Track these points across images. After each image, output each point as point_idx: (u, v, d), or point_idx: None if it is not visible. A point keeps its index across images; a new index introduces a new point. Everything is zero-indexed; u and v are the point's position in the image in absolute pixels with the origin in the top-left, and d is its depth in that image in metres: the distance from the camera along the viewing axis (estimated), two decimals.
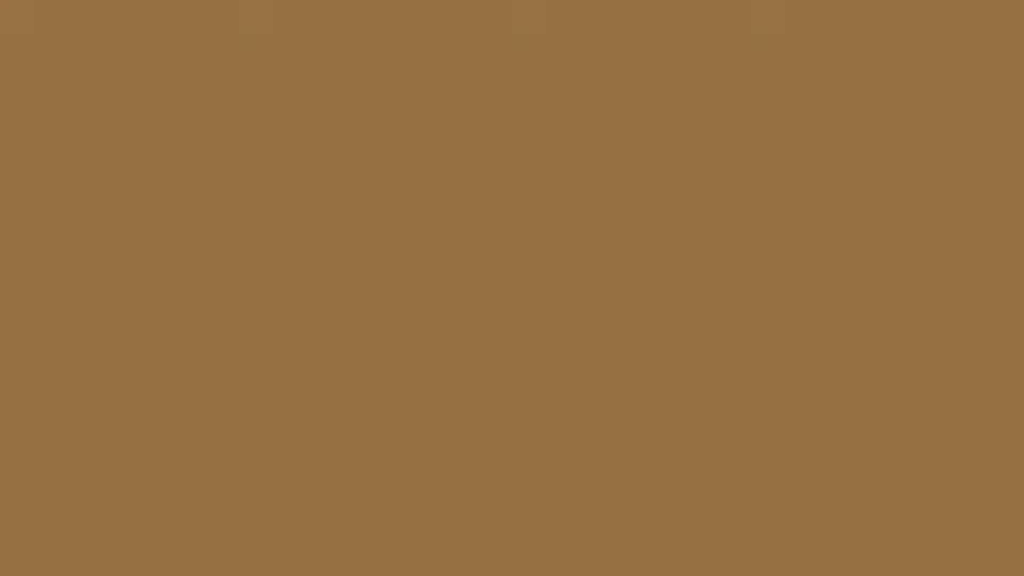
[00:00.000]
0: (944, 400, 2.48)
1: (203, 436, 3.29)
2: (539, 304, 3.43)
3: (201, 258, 3.48)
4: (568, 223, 3.49)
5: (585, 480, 3.28)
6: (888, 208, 2.60)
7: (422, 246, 3.36)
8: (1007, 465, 2.42)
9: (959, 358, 2.51)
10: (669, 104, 3.12)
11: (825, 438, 2.52)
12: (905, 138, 2.57)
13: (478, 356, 3.23)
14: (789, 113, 2.67)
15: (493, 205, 3.44)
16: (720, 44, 2.80)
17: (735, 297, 2.99)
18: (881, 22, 2.59)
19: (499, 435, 3.20)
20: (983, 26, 2.54)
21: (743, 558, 2.47)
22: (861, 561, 2.42)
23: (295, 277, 3.43)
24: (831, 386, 2.58)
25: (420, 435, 3.24)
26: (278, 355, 3.40)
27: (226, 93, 3.36)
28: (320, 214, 3.49)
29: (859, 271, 2.68)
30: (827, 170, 2.68)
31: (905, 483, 2.46)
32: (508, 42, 3.34)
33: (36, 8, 3.16)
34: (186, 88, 3.38)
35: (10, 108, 3.23)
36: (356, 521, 2.98)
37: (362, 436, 3.29)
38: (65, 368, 3.33)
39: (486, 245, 3.40)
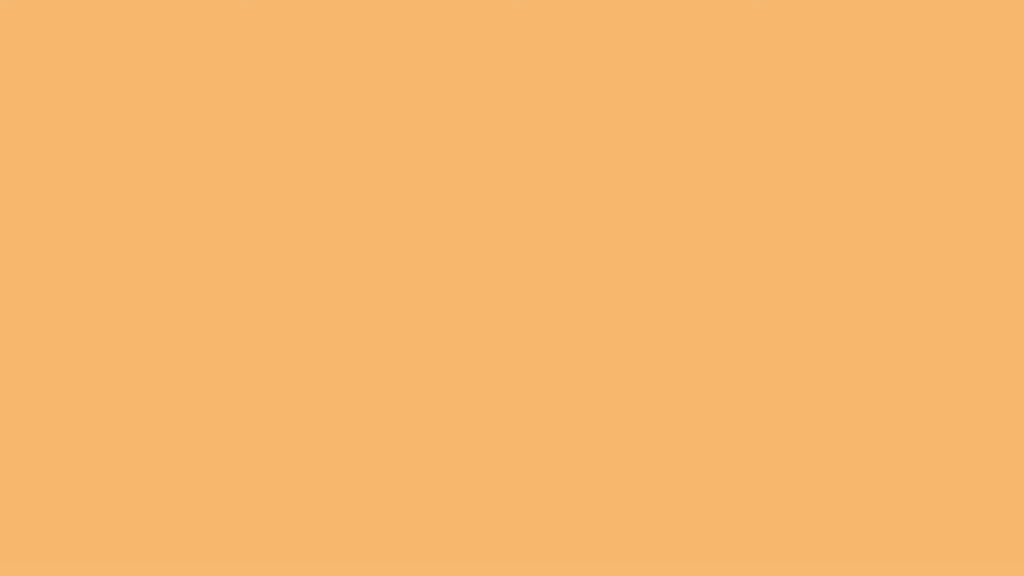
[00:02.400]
0: (944, 400, 2.47)
1: (202, 436, 3.30)
2: (537, 304, 3.43)
3: (201, 258, 3.48)
4: (566, 215, 3.49)
5: (582, 479, 3.28)
6: (886, 203, 2.59)
7: (422, 245, 3.36)
8: (1007, 464, 2.41)
9: (959, 358, 2.50)
10: (665, 101, 3.11)
11: (822, 436, 2.52)
12: (903, 133, 2.56)
13: (477, 356, 3.23)
14: (786, 107, 2.66)
15: (491, 202, 3.44)
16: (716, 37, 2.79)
17: (733, 293, 2.98)
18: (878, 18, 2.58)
19: (498, 435, 3.20)
20: (981, 19, 2.52)
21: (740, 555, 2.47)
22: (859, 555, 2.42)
23: (295, 277, 3.43)
24: (830, 386, 2.57)
25: (419, 436, 3.24)
26: (278, 356, 3.40)
27: (223, 91, 3.37)
28: (320, 214, 3.49)
29: (857, 263, 2.67)
30: (824, 168, 2.67)
31: (903, 480, 2.45)
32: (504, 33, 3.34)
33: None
34: (182, 86, 3.38)
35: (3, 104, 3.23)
36: (354, 521, 2.98)
37: (361, 437, 3.30)
38: (65, 368, 3.33)
39: (483, 242, 3.40)
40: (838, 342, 2.83)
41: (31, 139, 3.32)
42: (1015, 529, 2.39)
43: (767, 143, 2.68)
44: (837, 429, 2.53)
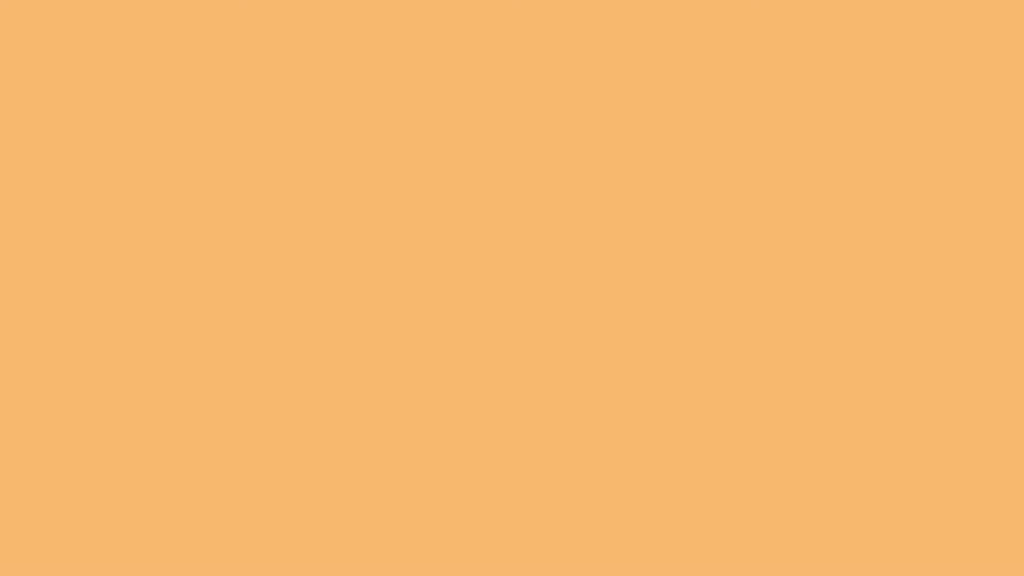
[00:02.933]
0: (944, 400, 2.47)
1: (203, 436, 3.30)
2: (537, 303, 3.43)
3: (201, 258, 3.47)
4: (566, 214, 3.48)
5: (583, 479, 3.28)
6: (886, 201, 2.59)
7: (422, 244, 3.36)
8: (1007, 464, 2.41)
9: (958, 358, 2.49)
10: (666, 102, 3.10)
11: (823, 435, 2.51)
12: (902, 131, 2.55)
13: (477, 356, 3.23)
14: (785, 105, 2.65)
15: (490, 201, 3.44)
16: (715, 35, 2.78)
17: (733, 292, 2.98)
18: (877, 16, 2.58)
19: (498, 435, 3.20)
20: (980, 18, 2.52)
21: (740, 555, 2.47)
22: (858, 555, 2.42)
23: (295, 277, 3.43)
24: (830, 385, 2.57)
25: (420, 435, 3.23)
26: (278, 355, 3.40)
27: (222, 91, 3.36)
28: (320, 213, 3.49)
29: (858, 261, 2.67)
30: (823, 166, 2.67)
31: (903, 479, 2.45)
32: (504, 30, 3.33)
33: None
34: (182, 86, 3.38)
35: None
36: (354, 520, 2.98)
37: (362, 436, 3.30)
38: (65, 368, 3.33)
39: (483, 242, 3.40)
40: (838, 342, 2.83)
41: (31, 139, 3.32)
42: (1015, 529, 2.39)
43: (767, 143, 2.67)
44: (837, 429, 2.53)
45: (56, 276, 3.32)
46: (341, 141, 3.38)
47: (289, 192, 3.38)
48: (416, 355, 3.33)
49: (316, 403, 3.32)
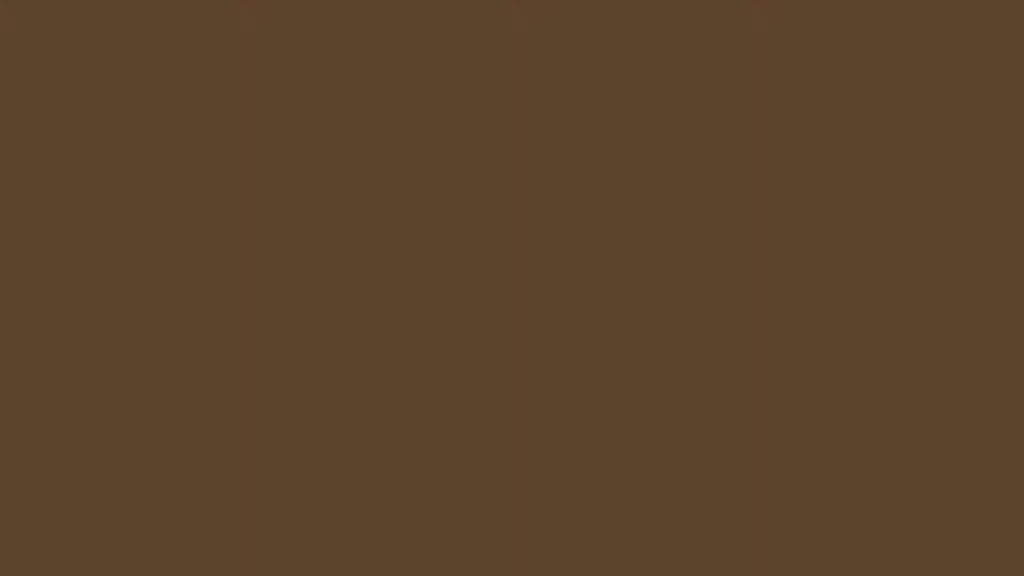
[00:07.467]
0: (944, 400, 2.47)
1: (202, 437, 3.30)
2: (537, 304, 3.43)
3: (199, 258, 3.47)
4: (566, 222, 3.48)
5: (584, 481, 3.29)
6: (886, 208, 2.58)
7: (421, 246, 3.35)
8: (1008, 466, 2.41)
9: (959, 358, 2.50)
10: (664, 103, 3.09)
11: (825, 438, 2.51)
12: (903, 137, 2.55)
13: (477, 357, 3.23)
14: (785, 112, 2.64)
15: (491, 205, 3.43)
16: (716, 43, 2.77)
17: (734, 297, 2.97)
18: (877, 20, 2.57)
19: (498, 436, 3.20)
20: (980, 25, 2.52)
21: (742, 558, 2.47)
22: (859, 562, 2.42)
23: (295, 277, 3.43)
24: (831, 386, 2.57)
25: (420, 436, 3.23)
26: (278, 355, 3.40)
27: (222, 92, 3.35)
28: (319, 214, 3.48)
29: (858, 271, 2.67)
30: (824, 169, 2.66)
31: (904, 483, 2.45)
32: (501, 40, 3.32)
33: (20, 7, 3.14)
34: (181, 88, 3.37)
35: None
36: (354, 521, 2.98)
37: (362, 436, 3.30)
38: (64, 368, 3.33)
39: (483, 245, 3.40)
40: (839, 343, 2.83)
41: (31, 140, 3.31)
42: (1015, 529, 2.40)
43: (768, 145, 2.67)
44: (838, 430, 2.53)
45: (56, 278, 3.32)
46: (340, 142, 3.37)
47: (287, 194, 3.37)
48: (415, 358, 3.33)
49: (315, 404, 3.31)
